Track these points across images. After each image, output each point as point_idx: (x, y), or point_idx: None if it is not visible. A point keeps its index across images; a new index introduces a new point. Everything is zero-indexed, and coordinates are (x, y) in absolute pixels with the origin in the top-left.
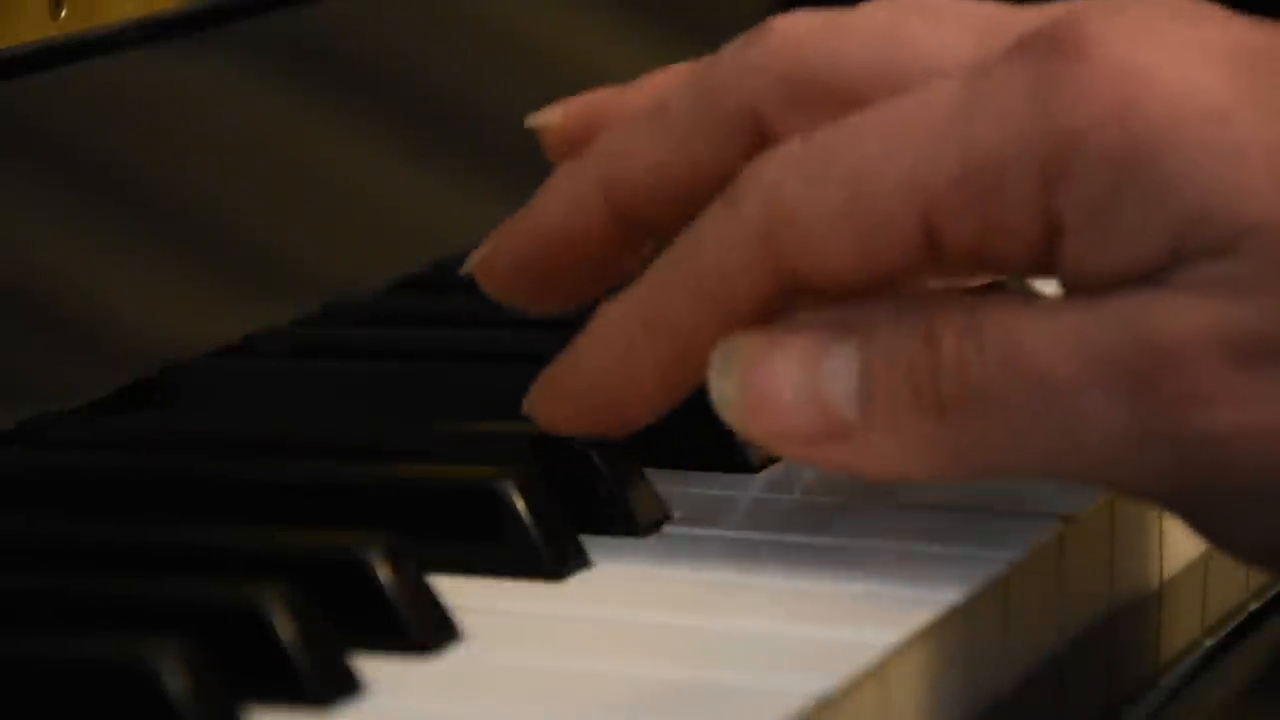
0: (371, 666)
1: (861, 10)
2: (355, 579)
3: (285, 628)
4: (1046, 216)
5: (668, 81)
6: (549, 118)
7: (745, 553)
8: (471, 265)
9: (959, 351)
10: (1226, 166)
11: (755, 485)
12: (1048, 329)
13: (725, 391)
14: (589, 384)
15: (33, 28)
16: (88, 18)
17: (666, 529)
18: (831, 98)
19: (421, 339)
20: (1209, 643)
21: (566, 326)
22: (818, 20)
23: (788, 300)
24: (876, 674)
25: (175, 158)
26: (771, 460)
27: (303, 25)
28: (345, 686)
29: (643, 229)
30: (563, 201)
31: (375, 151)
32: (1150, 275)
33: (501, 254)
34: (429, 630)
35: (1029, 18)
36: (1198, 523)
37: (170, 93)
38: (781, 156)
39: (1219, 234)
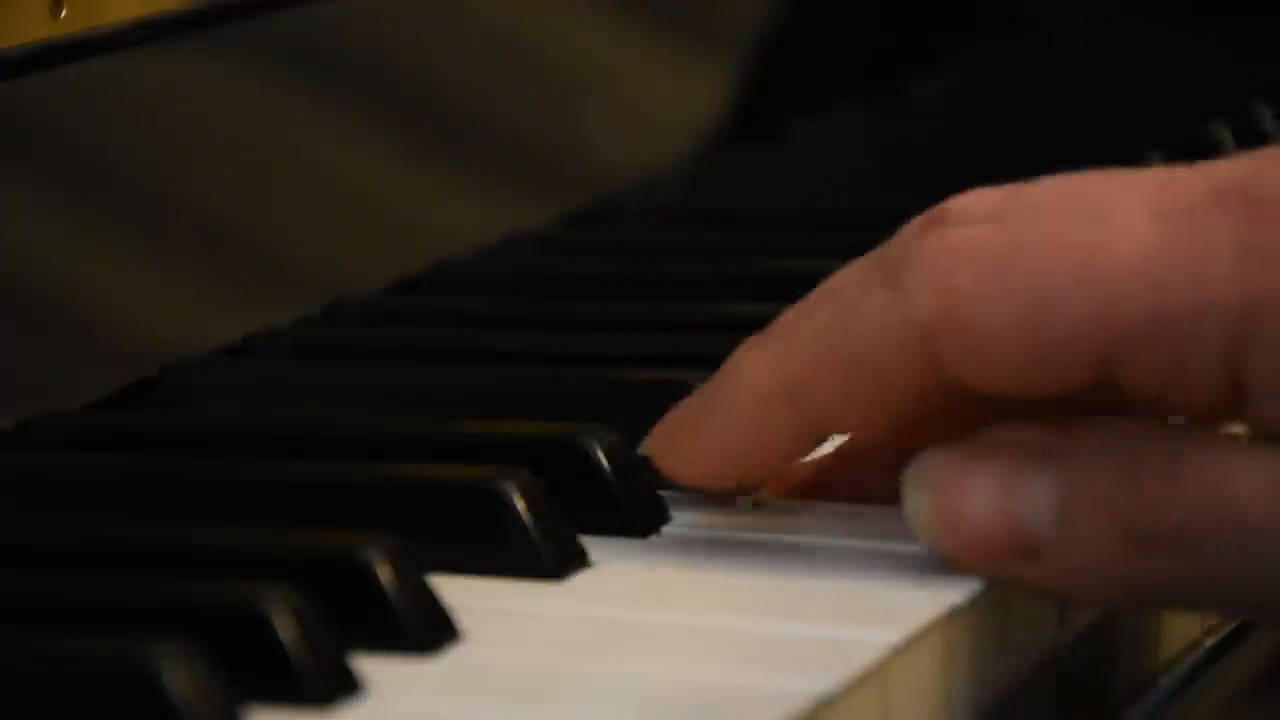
0: (371, 666)
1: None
2: (355, 579)
3: (285, 628)
4: (1232, 374)
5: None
6: None
7: (745, 552)
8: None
9: (1162, 491)
10: None
11: None
12: (1256, 476)
13: (918, 508)
14: (719, 442)
15: (33, 28)
16: (88, 18)
17: (666, 529)
18: None
19: (421, 339)
20: (1209, 643)
21: (568, 326)
22: (998, 196)
23: (938, 399)
24: (876, 674)
25: (175, 158)
26: None
27: (303, 25)
28: (345, 686)
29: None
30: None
31: (375, 151)
32: None
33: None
34: (429, 630)
35: (1205, 173)
36: None
37: (170, 93)
38: (957, 250)
39: None
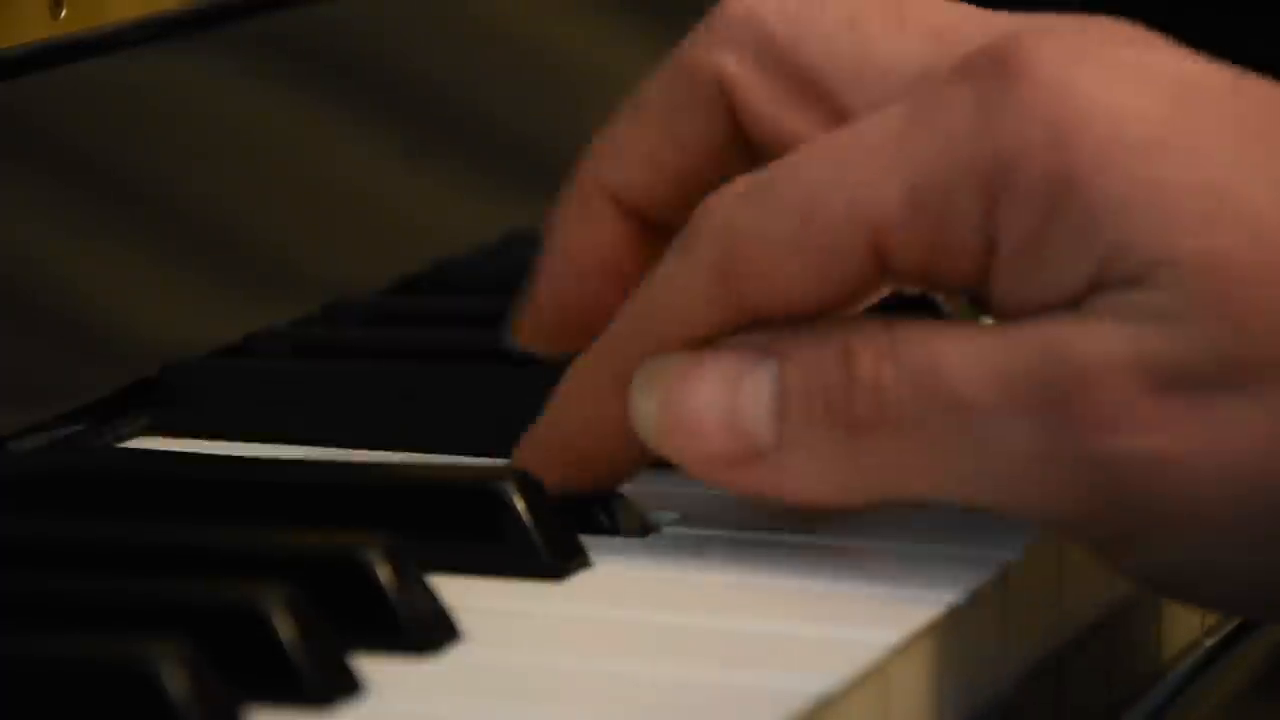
0: (371, 666)
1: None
2: (355, 579)
3: (285, 628)
4: (987, 236)
5: None
6: None
7: (745, 553)
8: (517, 332)
9: (874, 371)
10: (1151, 200)
11: None
12: (964, 351)
13: (645, 411)
14: (566, 442)
15: (33, 28)
16: (88, 18)
17: (666, 529)
18: (794, 73)
19: (421, 339)
20: (1209, 643)
21: None
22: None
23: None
24: (876, 674)
25: (175, 158)
26: None
27: (303, 25)
28: (345, 686)
29: (660, 229)
30: (572, 221)
31: (375, 151)
32: (1072, 302)
33: (537, 297)
34: (429, 630)
35: (986, 28)
36: (1099, 546)
37: (170, 93)
38: (729, 194)
39: (1138, 266)
